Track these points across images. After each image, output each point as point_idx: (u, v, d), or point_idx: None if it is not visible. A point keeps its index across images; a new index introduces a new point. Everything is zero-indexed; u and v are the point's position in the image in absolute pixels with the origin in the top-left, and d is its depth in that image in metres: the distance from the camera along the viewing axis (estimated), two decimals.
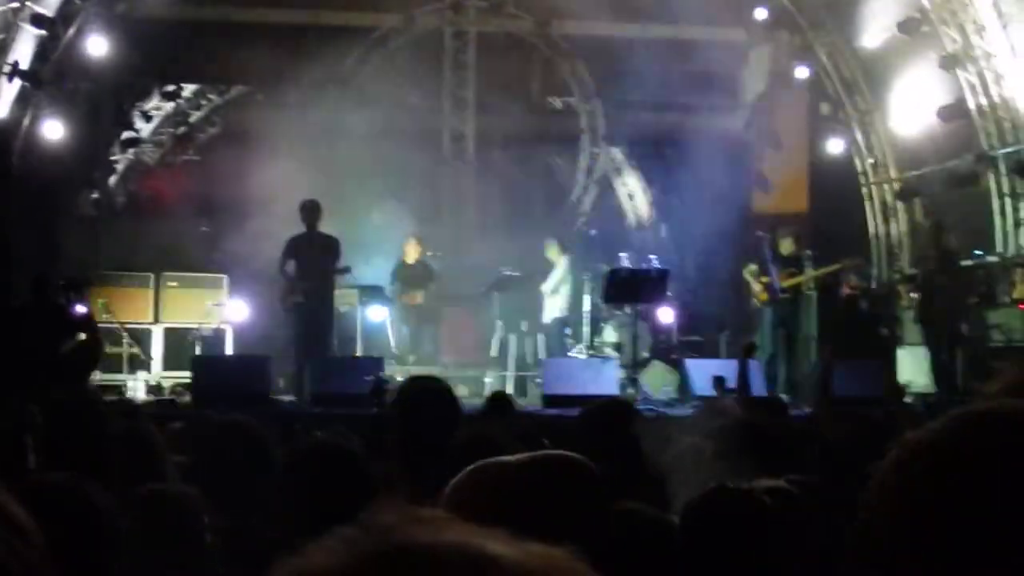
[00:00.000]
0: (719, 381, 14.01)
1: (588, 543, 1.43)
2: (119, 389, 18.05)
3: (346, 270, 17.41)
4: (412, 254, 20.02)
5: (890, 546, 1.50)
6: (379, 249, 19.95)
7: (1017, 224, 20.72)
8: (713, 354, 19.82)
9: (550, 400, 16.23)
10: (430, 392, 5.85)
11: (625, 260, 19.43)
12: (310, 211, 17.01)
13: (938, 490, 1.47)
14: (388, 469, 6.18)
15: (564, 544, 1.26)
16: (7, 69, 19.28)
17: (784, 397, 17.56)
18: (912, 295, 18.47)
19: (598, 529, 2.53)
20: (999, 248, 20.67)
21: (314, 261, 16.91)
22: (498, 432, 5.19)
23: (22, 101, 20.10)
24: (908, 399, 17.65)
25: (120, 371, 19.02)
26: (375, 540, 1.20)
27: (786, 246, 18.67)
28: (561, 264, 19.70)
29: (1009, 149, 20.53)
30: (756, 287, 18.64)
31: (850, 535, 1.67)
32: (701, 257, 21.52)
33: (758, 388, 15.86)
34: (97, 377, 16.99)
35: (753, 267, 18.78)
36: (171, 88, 23.61)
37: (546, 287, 19.77)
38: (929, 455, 1.51)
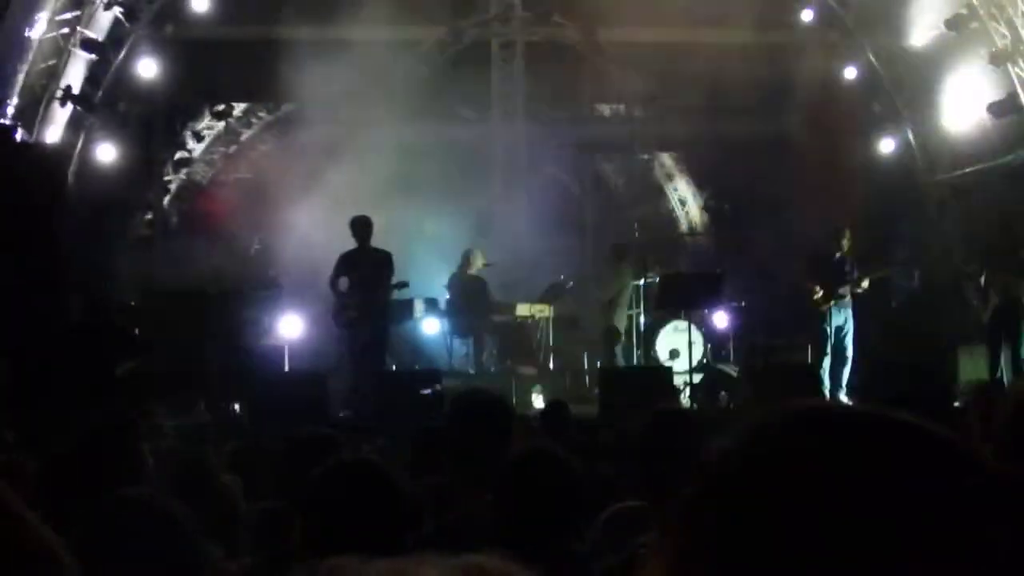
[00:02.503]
0: None
1: None
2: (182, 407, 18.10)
3: (403, 284, 17.46)
4: (469, 267, 20.05)
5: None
6: (433, 262, 19.98)
7: None
8: (771, 358, 19.74)
9: (606, 407, 16.21)
10: (482, 404, 5.84)
11: (679, 266, 19.41)
12: (361, 227, 17.06)
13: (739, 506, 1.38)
14: (441, 480, 6.20)
15: None
16: (59, 94, 19.45)
17: (844, 400, 17.50)
18: (990, 293, 18.20)
19: None
20: None
21: (367, 276, 16.96)
22: (555, 445, 5.18)
23: (75, 125, 20.27)
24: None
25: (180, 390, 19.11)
26: None
27: (839, 247, 18.57)
28: (616, 271, 19.68)
29: None
30: (811, 292, 18.56)
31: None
32: (755, 261, 21.42)
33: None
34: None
35: (804, 268, 18.70)
36: (221, 107, 23.74)
37: (601, 294, 19.75)
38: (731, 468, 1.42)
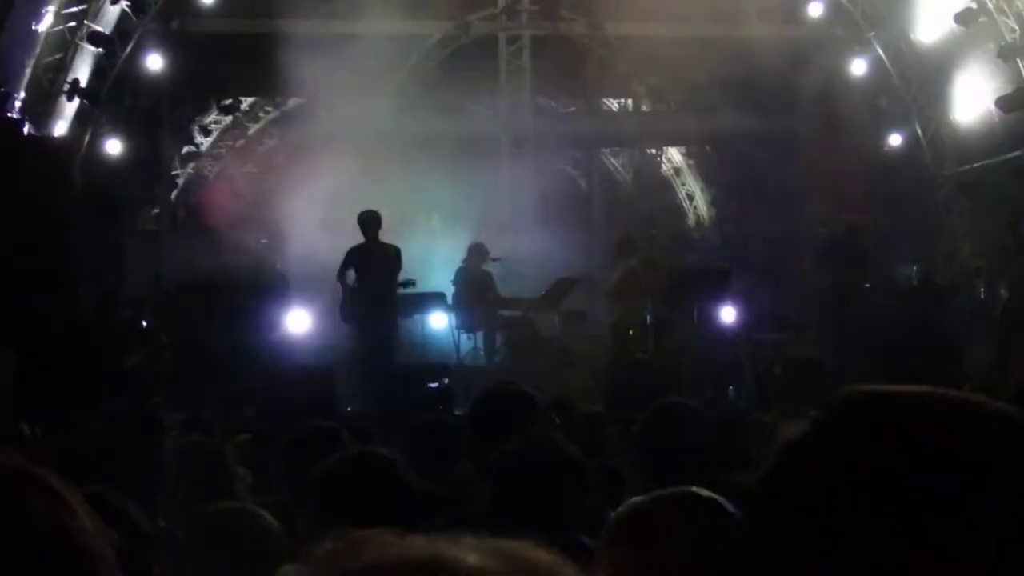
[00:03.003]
0: None
1: None
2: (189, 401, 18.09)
3: (411, 283, 17.44)
4: (475, 261, 20.04)
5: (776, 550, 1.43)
6: (439, 256, 19.97)
7: None
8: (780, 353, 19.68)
9: (615, 402, 16.18)
10: (508, 397, 5.82)
11: (688, 260, 19.38)
12: (369, 222, 17.06)
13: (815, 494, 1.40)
14: (462, 472, 6.19)
15: None
16: (66, 87, 19.44)
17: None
18: (1001, 292, 18.16)
19: None
20: None
21: (375, 271, 16.94)
22: (553, 433, 5.17)
23: (82, 119, 20.26)
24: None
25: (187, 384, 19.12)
26: (336, 566, 1.19)
27: (854, 242, 18.56)
28: (624, 265, 19.64)
29: None
30: (819, 284, 18.55)
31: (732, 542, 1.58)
32: (762, 256, 21.41)
33: None
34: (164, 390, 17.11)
35: (814, 259, 18.68)
36: (228, 102, 23.73)
37: (609, 288, 19.71)
38: (804, 457, 1.45)
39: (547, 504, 4.53)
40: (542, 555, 1.22)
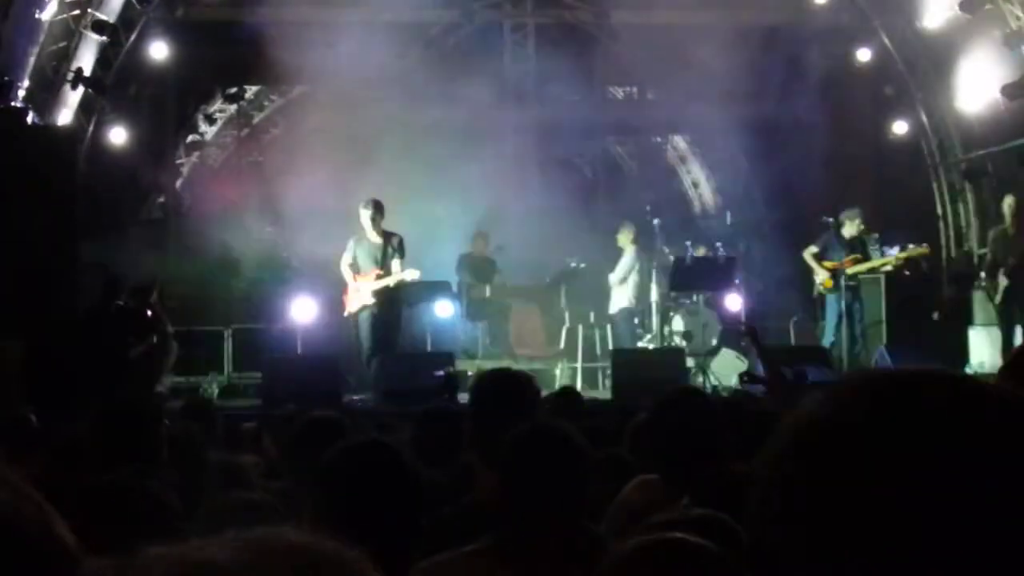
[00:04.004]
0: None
1: None
2: (195, 390, 18.10)
3: (413, 276, 17.41)
4: (479, 249, 20.03)
5: (787, 538, 1.36)
6: (443, 244, 19.95)
7: None
8: (784, 341, 19.70)
9: (620, 390, 16.18)
10: (510, 384, 5.81)
11: (692, 249, 19.36)
12: (372, 210, 17.02)
13: (831, 470, 1.34)
14: (467, 461, 6.18)
15: None
16: (70, 76, 19.42)
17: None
18: (1001, 279, 18.10)
19: None
20: None
21: (378, 260, 16.92)
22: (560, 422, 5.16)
23: (86, 108, 20.25)
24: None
25: (193, 372, 19.13)
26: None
27: (850, 230, 18.52)
28: (629, 253, 19.63)
29: None
30: (820, 273, 18.51)
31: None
32: (768, 243, 21.40)
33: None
34: (169, 379, 17.12)
35: (814, 249, 18.64)
36: (233, 90, 23.72)
37: (613, 277, 19.71)
38: (815, 435, 1.39)
39: (553, 492, 4.53)
40: (296, 537, 1.26)
